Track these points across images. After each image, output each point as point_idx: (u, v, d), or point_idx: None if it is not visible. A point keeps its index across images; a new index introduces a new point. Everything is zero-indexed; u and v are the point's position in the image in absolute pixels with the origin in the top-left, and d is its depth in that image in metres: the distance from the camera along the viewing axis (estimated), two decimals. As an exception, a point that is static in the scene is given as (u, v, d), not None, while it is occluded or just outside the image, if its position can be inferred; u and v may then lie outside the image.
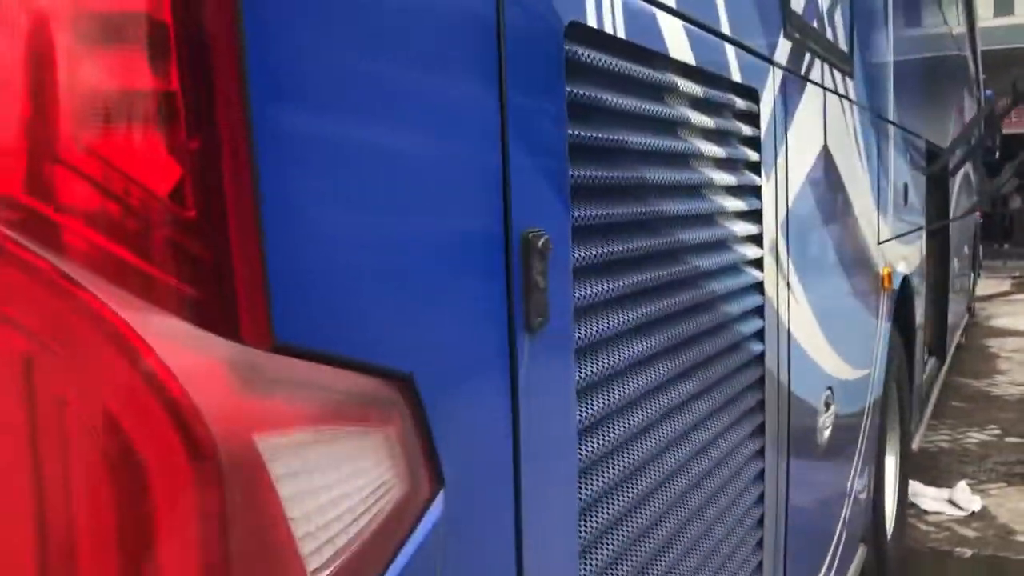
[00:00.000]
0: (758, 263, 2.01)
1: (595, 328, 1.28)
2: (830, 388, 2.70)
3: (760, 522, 2.06)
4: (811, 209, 2.49)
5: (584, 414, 1.24)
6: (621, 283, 1.36)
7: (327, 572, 0.76)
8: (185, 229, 0.68)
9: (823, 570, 2.74)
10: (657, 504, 1.48)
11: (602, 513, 1.29)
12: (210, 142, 0.69)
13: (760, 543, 2.07)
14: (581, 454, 1.24)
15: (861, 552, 3.46)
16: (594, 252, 1.29)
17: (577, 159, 1.24)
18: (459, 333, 0.99)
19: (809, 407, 2.47)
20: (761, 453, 2.05)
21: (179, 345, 0.66)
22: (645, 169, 1.44)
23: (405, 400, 0.88)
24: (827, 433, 2.67)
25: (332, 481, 0.78)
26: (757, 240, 2.01)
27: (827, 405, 2.68)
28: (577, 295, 1.24)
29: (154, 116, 0.67)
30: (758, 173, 2.00)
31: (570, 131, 1.20)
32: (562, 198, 1.18)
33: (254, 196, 0.71)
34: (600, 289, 1.30)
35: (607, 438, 1.31)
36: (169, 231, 0.68)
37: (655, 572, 1.48)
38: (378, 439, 0.84)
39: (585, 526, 1.26)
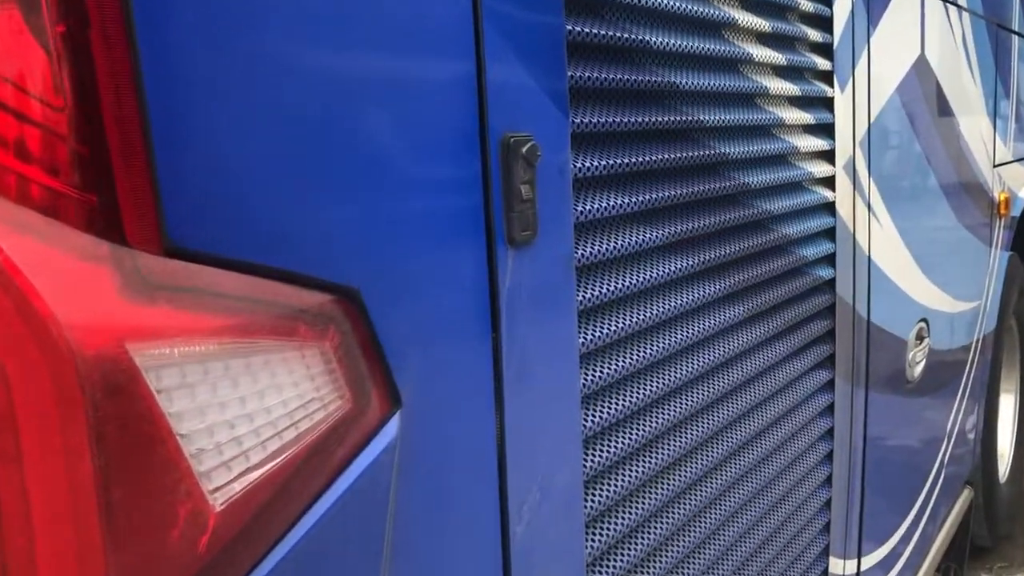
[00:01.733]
0: (828, 182, 1.86)
1: (608, 245, 1.19)
2: (924, 320, 2.52)
3: (829, 457, 1.94)
4: (900, 125, 2.29)
5: (590, 335, 1.16)
6: (645, 197, 1.26)
7: (238, 488, 0.71)
8: (56, 120, 0.63)
9: (915, 510, 2.59)
10: (687, 436, 1.39)
11: (613, 444, 1.21)
12: (79, 28, 0.63)
13: (829, 479, 1.95)
14: (586, 378, 1.16)
15: (967, 494, 3.27)
16: (609, 163, 1.19)
17: (584, 60, 1.14)
18: (423, 244, 0.91)
19: (894, 339, 2.30)
20: (830, 385, 1.92)
21: (39, 243, 0.62)
22: (676, 74, 1.33)
23: (347, 315, 0.82)
24: (919, 368, 2.50)
25: (244, 395, 0.72)
26: (828, 156, 1.86)
27: (920, 338, 2.50)
28: (584, 208, 1.15)
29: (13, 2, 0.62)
30: (830, 83, 1.84)
31: (570, 27, 1.10)
32: (558, 101, 1.08)
33: (134, 83, 0.65)
34: (616, 203, 1.20)
35: (623, 362, 1.22)
36: (39, 123, 0.63)
37: (687, 509, 1.40)
38: (311, 354, 0.79)
39: (592, 458, 1.18)
